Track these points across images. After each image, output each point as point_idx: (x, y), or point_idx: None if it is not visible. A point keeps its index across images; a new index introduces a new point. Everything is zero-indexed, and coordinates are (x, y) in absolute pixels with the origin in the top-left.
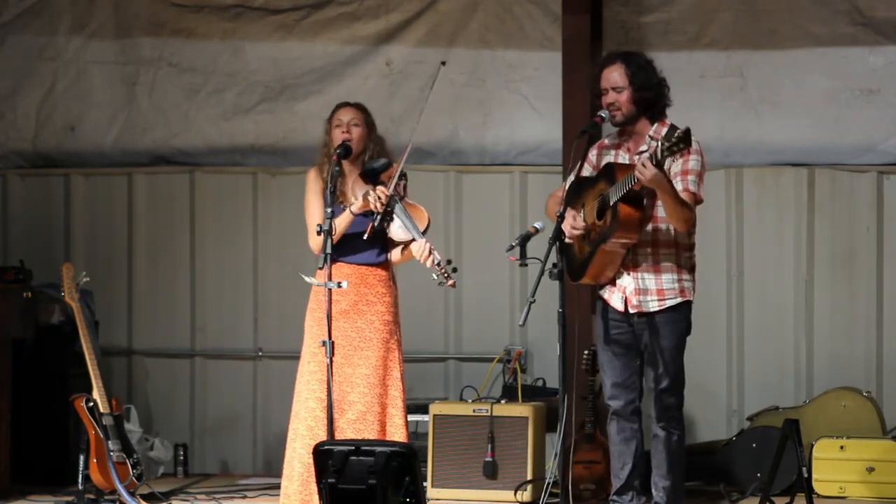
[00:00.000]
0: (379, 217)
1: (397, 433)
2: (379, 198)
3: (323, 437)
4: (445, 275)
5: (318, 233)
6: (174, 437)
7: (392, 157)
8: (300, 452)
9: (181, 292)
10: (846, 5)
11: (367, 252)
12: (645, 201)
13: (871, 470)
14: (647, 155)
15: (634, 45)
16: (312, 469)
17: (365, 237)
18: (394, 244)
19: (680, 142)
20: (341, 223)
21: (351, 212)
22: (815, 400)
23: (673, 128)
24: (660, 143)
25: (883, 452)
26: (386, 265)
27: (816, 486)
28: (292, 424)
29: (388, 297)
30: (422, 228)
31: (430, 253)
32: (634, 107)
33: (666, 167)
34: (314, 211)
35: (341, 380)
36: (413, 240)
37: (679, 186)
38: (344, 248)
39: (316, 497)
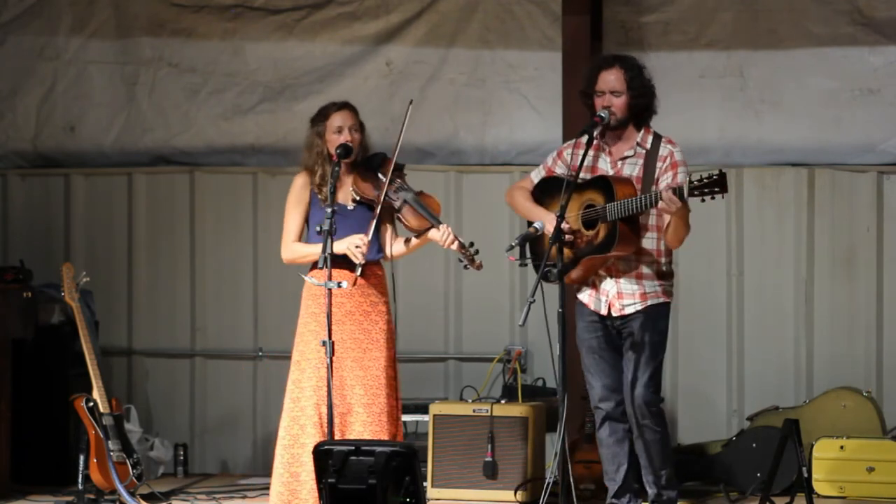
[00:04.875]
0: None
1: (400, 432)
2: (358, 246)
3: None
4: (470, 258)
5: (319, 232)
6: (174, 437)
7: (373, 149)
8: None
9: (181, 292)
10: (846, 5)
11: (369, 252)
12: (640, 219)
13: (871, 470)
14: (670, 193)
15: (634, 45)
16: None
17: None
18: (393, 239)
19: (714, 185)
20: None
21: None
22: (815, 400)
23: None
24: (687, 184)
25: (883, 452)
26: (380, 264)
27: (816, 486)
28: (292, 424)
29: (386, 295)
30: (437, 216)
31: (455, 237)
32: (628, 112)
33: (655, 176)
34: (293, 221)
35: (353, 383)
36: (430, 227)
37: None
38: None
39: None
